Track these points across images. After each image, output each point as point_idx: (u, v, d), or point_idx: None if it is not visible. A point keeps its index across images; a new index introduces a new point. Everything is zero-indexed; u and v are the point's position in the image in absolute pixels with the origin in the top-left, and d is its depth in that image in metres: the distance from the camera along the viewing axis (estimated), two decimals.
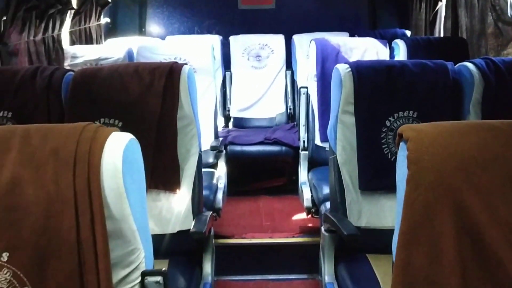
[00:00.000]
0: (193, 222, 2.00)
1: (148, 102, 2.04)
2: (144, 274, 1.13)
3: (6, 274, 1.07)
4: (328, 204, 2.39)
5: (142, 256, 1.14)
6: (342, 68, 2.07)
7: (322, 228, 2.18)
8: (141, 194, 1.15)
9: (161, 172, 2.05)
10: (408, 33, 4.20)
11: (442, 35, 3.52)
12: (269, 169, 4.02)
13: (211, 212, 2.19)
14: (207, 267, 2.10)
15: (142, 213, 1.15)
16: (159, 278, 1.12)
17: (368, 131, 2.05)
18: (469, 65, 2.08)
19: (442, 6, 3.46)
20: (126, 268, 1.12)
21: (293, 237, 3.25)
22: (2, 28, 2.44)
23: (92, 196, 1.05)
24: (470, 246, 1.07)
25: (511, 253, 1.06)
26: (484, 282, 1.08)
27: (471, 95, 2.04)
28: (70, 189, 1.06)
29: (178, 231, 2.04)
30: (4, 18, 2.44)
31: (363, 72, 2.06)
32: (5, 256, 1.07)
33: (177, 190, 2.08)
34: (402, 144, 1.14)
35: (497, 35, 2.66)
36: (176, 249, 2.05)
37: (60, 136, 1.10)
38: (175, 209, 2.07)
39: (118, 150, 1.07)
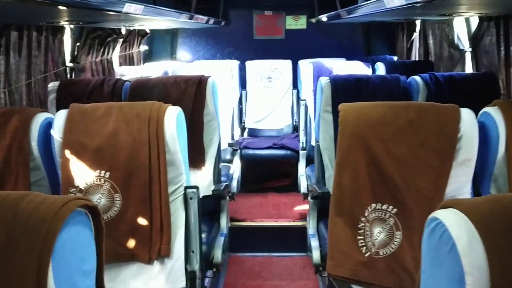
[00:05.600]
0: (213, 187, 2.77)
1: (183, 103, 2.83)
2: (185, 188, 1.92)
3: (107, 185, 1.88)
4: None
5: (185, 178, 1.94)
6: (323, 80, 2.85)
7: (309, 197, 2.93)
8: (185, 140, 1.96)
9: (190, 154, 2.84)
10: (396, 58, 4.97)
11: (417, 59, 4.29)
12: (277, 170, 4.78)
13: (226, 183, 2.95)
14: (223, 222, 2.85)
15: (185, 152, 1.95)
16: (195, 190, 1.92)
17: None
18: (417, 77, 2.85)
19: (416, 36, 4.26)
20: (176, 184, 1.91)
21: (294, 221, 4.00)
22: (76, 52, 3.32)
23: (158, 139, 1.86)
24: (375, 171, 1.83)
25: (400, 176, 1.82)
26: (384, 194, 1.84)
27: (417, 99, 2.80)
28: (146, 136, 1.87)
29: (203, 196, 2.78)
30: (78, 44, 3.32)
31: (338, 83, 2.83)
32: (107, 174, 1.87)
33: (202, 167, 2.85)
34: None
35: (450, 58, 3.43)
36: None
37: (141, 107, 1.91)
38: (200, 181, 2.84)
39: (173, 114, 1.89)
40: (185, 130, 1.99)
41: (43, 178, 1.95)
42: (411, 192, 1.82)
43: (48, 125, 1.94)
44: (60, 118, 1.90)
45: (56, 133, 1.88)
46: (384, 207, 1.84)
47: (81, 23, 2.84)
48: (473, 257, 0.85)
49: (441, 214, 0.93)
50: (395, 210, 1.84)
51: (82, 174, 1.86)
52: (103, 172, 1.87)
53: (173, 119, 1.88)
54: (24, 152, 1.89)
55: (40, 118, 1.94)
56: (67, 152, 1.85)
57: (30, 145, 1.90)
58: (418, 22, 4.18)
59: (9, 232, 0.86)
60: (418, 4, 1.88)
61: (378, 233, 1.84)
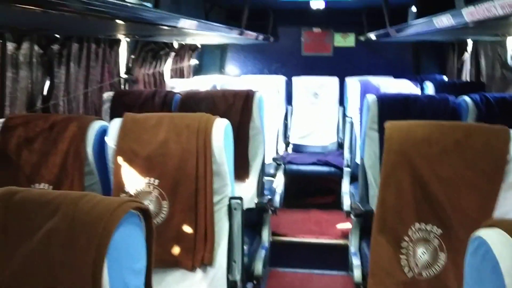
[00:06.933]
0: (256, 200, 2.81)
1: (231, 116, 2.89)
2: (230, 198, 1.97)
3: (156, 192, 1.95)
4: None
5: (230, 189, 1.99)
6: (370, 97, 2.86)
7: (352, 215, 2.91)
8: (231, 152, 2.01)
9: (235, 166, 2.89)
10: (445, 78, 4.89)
11: (468, 79, 4.21)
12: (320, 187, 4.78)
13: (269, 197, 2.98)
14: (265, 235, 2.88)
15: (231, 163, 2.01)
16: (239, 201, 1.96)
17: None
18: (466, 98, 2.80)
19: (467, 56, 4.18)
20: (221, 195, 1.97)
21: (336, 239, 3.98)
22: (130, 64, 3.47)
23: (206, 150, 1.92)
24: (420, 191, 1.82)
25: (445, 196, 1.80)
26: (429, 214, 1.82)
27: (466, 120, 2.75)
28: (194, 146, 1.93)
29: (246, 209, 2.83)
30: (132, 56, 3.47)
31: (385, 101, 2.83)
32: (156, 181, 1.95)
33: (246, 180, 2.90)
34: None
35: (502, 78, 3.36)
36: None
37: (190, 118, 1.98)
38: (244, 193, 2.88)
39: (221, 126, 1.95)
40: (232, 142, 2.05)
41: (96, 183, 2.05)
42: (456, 213, 1.79)
43: (103, 132, 2.05)
44: (114, 126, 2.00)
45: (110, 140, 1.97)
46: (428, 227, 1.82)
47: (136, 36, 2.97)
48: None
49: (484, 233, 0.93)
50: (439, 231, 1.82)
51: (133, 180, 1.94)
52: (152, 179, 1.94)
53: (221, 131, 1.94)
54: (80, 157, 1.99)
55: (95, 125, 2.05)
56: (120, 159, 1.94)
57: (86, 151, 2.01)
58: (470, 42, 4.12)
59: (70, 227, 0.93)
60: (470, 25, 1.87)
61: (422, 254, 1.82)
